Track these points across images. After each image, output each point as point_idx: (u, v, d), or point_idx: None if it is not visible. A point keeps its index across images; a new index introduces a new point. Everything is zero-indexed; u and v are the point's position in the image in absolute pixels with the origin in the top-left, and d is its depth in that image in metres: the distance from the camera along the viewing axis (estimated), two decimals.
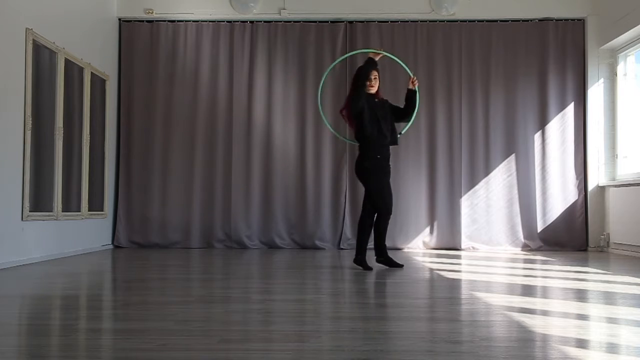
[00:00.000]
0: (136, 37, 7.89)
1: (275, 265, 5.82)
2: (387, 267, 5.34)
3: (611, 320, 3.06)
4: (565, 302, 3.60)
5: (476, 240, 7.62)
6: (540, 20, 7.78)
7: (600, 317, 3.15)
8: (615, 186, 7.25)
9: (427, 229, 7.67)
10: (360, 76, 5.23)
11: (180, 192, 7.73)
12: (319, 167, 7.75)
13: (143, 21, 7.90)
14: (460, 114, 7.73)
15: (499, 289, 4.20)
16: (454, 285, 4.40)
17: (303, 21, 7.87)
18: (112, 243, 7.66)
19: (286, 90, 7.83)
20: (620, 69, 7.50)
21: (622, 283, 4.44)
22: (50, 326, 2.99)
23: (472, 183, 7.68)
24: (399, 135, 5.47)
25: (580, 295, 3.89)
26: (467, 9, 7.75)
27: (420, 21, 7.81)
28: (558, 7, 7.73)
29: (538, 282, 4.77)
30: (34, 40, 5.69)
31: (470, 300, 3.67)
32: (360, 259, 5.24)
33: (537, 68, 7.73)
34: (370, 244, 5.32)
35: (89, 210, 6.91)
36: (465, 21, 7.81)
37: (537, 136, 7.68)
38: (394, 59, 5.69)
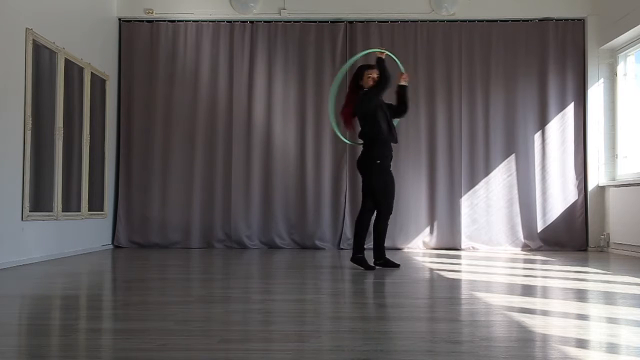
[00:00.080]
0: (136, 37, 7.89)
1: (275, 265, 5.82)
2: (384, 267, 5.33)
3: (611, 320, 3.06)
4: (565, 302, 3.60)
5: (476, 240, 7.62)
6: (540, 20, 7.78)
7: (600, 317, 3.14)
8: (615, 186, 7.25)
9: (427, 229, 7.67)
10: (358, 75, 5.28)
11: (180, 192, 7.73)
12: (319, 167, 7.75)
13: (143, 21, 7.90)
14: (460, 114, 7.73)
15: (499, 289, 4.20)
16: (454, 285, 4.40)
17: (303, 21, 7.87)
18: (112, 243, 7.66)
19: (286, 90, 7.83)
20: (620, 69, 7.50)
21: (622, 283, 4.44)
22: (50, 326, 2.99)
23: (472, 183, 7.67)
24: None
25: (580, 295, 3.89)
26: (467, 9, 7.75)
27: (420, 21, 7.81)
28: (558, 7, 7.73)
29: (538, 282, 4.77)
30: (34, 40, 5.69)
31: (470, 300, 3.67)
32: (360, 258, 5.21)
33: (537, 68, 7.73)
34: (368, 244, 5.31)
35: (89, 210, 6.91)
36: (465, 21, 7.81)
37: (537, 136, 7.68)
38: (391, 57, 5.68)
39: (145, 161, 7.78)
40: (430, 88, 7.72)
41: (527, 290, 4.21)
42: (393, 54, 5.68)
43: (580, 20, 7.74)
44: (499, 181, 7.66)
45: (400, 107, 5.43)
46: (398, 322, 2.98)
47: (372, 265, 5.23)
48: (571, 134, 7.65)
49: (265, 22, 7.87)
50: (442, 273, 5.09)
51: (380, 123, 5.20)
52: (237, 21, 7.88)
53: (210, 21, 7.89)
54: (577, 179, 7.61)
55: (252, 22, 7.89)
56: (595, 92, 7.59)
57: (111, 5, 7.72)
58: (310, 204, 7.69)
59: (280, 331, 2.80)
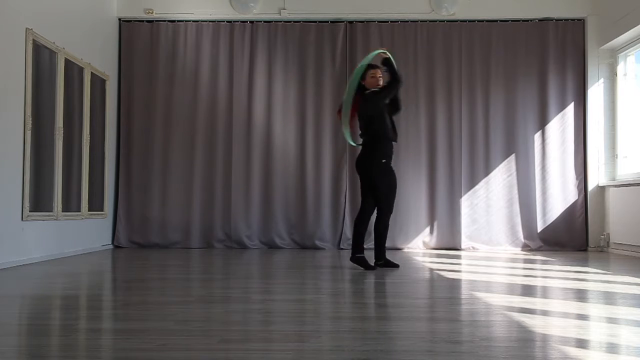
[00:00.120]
0: (136, 37, 7.89)
1: (275, 265, 5.82)
2: (383, 267, 5.33)
3: (611, 320, 3.06)
4: (565, 302, 3.60)
5: (476, 240, 7.62)
6: (540, 20, 7.78)
7: (600, 317, 3.14)
8: (615, 186, 7.25)
9: (427, 229, 7.67)
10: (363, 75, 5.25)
11: (180, 192, 7.73)
12: (319, 167, 7.75)
13: (143, 21, 7.90)
14: (460, 114, 7.73)
15: (499, 289, 4.20)
16: (454, 285, 4.40)
17: (303, 21, 7.87)
18: (112, 243, 7.66)
19: (286, 90, 7.83)
20: (620, 69, 7.50)
21: (622, 283, 4.44)
22: (50, 326, 2.99)
23: (472, 183, 7.68)
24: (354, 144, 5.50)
25: (580, 295, 3.89)
26: (467, 9, 7.75)
27: (420, 21, 7.81)
28: (558, 7, 7.73)
29: (538, 282, 4.77)
30: (34, 40, 5.69)
31: (470, 300, 3.67)
32: (360, 258, 5.20)
33: (537, 68, 7.73)
34: (368, 244, 5.31)
35: (89, 210, 6.91)
36: (465, 21, 7.81)
37: (537, 136, 7.68)
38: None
39: (145, 161, 7.78)
40: (430, 88, 7.72)
41: (527, 290, 4.21)
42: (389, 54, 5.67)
43: (580, 20, 7.74)
44: (499, 181, 7.66)
45: (395, 104, 5.37)
46: (398, 322, 2.98)
47: (373, 265, 5.22)
48: (571, 134, 7.65)
49: (265, 22, 7.87)
50: (442, 273, 5.09)
51: (387, 122, 5.21)
52: (237, 21, 7.88)
53: (210, 21, 7.89)
54: (577, 179, 7.61)
55: (252, 22, 7.89)
56: (595, 92, 7.59)
57: (111, 5, 7.73)
58: (310, 204, 7.69)
59: (280, 331, 2.80)
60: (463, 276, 5.02)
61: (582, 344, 2.53)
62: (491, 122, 7.72)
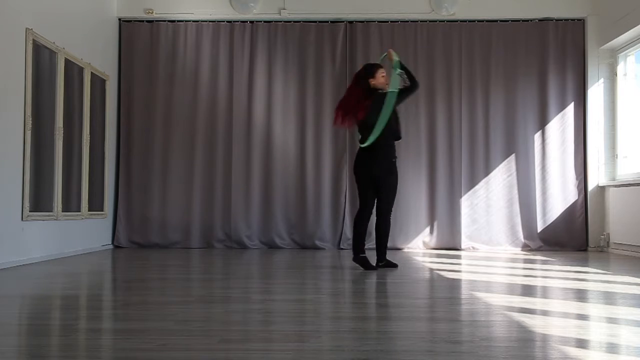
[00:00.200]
0: (136, 37, 7.89)
1: (275, 265, 5.82)
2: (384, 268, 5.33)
3: (611, 320, 3.06)
4: (565, 302, 3.60)
5: (476, 240, 7.62)
6: (540, 20, 7.78)
7: (600, 317, 3.14)
8: (615, 186, 7.25)
9: (427, 229, 7.67)
10: (370, 74, 5.20)
11: (180, 192, 7.73)
12: (319, 167, 7.75)
13: (143, 21, 7.90)
14: (460, 114, 7.73)
15: (499, 289, 4.20)
16: (454, 285, 4.40)
17: (303, 21, 7.86)
18: (112, 243, 7.66)
19: (286, 90, 7.83)
20: (620, 69, 7.50)
21: (622, 283, 4.44)
22: (50, 326, 2.99)
23: (472, 183, 7.68)
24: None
25: (580, 295, 3.89)
26: (467, 9, 7.75)
27: (420, 21, 7.81)
28: (558, 7, 7.73)
29: (538, 282, 4.77)
30: (34, 40, 5.69)
31: (470, 300, 3.67)
32: (363, 258, 5.18)
33: (537, 68, 7.73)
34: (368, 244, 5.30)
35: (89, 210, 6.91)
36: (465, 21, 7.80)
37: (537, 136, 7.68)
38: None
39: (145, 161, 7.78)
40: (430, 88, 7.71)
41: (527, 290, 4.21)
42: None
43: (580, 20, 7.74)
44: (499, 181, 7.66)
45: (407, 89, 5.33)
46: (398, 322, 2.98)
47: (374, 265, 5.22)
48: (571, 134, 7.65)
49: (265, 22, 7.87)
50: (442, 273, 5.09)
51: (400, 122, 5.27)
52: (237, 21, 7.88)
53: (210, 21, 7.89)
54: (577, 179, 7.61)
55: (252, 22, 7.89)
56: (595, 92, 7.59)
57: (111, 6, 7.72)
58: (310, 204, 7.69)
59: (280, 331, 2.80)
60: (463, 276, 5.02)
61: (582, 344, 2.53)
62: (491, 122, 7.72)
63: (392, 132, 5.17)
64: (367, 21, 7.84)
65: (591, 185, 7.55)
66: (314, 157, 7.77)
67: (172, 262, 6.02)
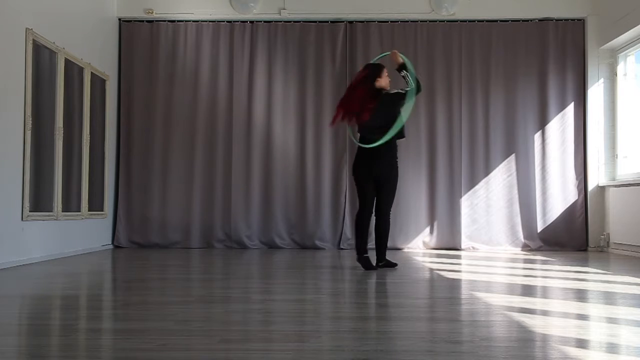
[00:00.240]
0: (136, 37, 7.89)
1: (275, 265, 5.82)
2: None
3: (611, 320, 3.06)
4: (565, 302, 3.60)
5: (476, 240, 7.62)
6: (540, 20, 7.78)
7: (600, 317, 3.14)
8: (615, 186, 7.25)
9: (427, 229, 7.67)
10: (377, 74, 5.19)
11: (180, 192, 7.73)
12: (319, 167, 7.75)
13: (143, 21, 7.90)
14: (460, 114, 7.73)
15: (499, 289, 4.20)
16: (454, 285, 4.40)
17: (303, 21, 7.87)
18: (112, 243, 7.66)
19: (286, 90, 7.83)
20: (620, 69, 7.50)
21: (622, 283, 4.44)
22: (50, 326, 2.99)
23: (472, 183, 7.68)
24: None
25: (580, 295, 3.89)
26: (467, 9, 7.75)
27: (420, 21, 7.81)
28: (558, 7, 7.73)
29: (538, 282, 4.77)
30: (34, 40, 5.69)
31: (470, 300, 3.67)
32: (366, 259, 5.14)
33: (537, 68, 7.73)
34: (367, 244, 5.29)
35: (89, 210, 6.92)
36: (465, 21, 7.81)
37: (537, 136, 7.68)
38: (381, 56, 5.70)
39: (145, 161, 7.78)
40: (430, 88, 7.71)
41: (527, 290, 4.21)
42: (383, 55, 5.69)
43: (580, 20, 7.74)
44: (499, 181, 7.66)
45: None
46: (398, 322, 2.98)
47: (374, 265, 5.22)
48: (571, 134, 7.65)
49: (265, 22, 7.87)
50: (442, 273, 5.09)
51: (405, 123, 5.26)
52: (237, 21, 7.88)
53: (210, 21, 7.89)
54: (577, 179, 7.61)
55: (252, 22, 7.89)
56: (595, 92, 7.59)
57: (111, 6, 7.72)
58: (310, 204, 7.69)
59: (280, 331, 2.80)
60: (463, 276, 5.02)
61: (582, 344, 2.53)
62: (491, 122, 7.72)
63: (400, 133, 5.17)
64: (367, 21, 7.84)
65: (591, 185, 7.56)
66: (314, 157, 7.77)
67: (172, 262, 6.02)
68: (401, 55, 5.28)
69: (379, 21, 7.83)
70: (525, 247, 7.54)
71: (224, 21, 7.89)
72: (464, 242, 7.59)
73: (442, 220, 7.65)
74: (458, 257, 6.72)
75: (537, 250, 7.46)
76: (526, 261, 6.29)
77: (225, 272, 5.32)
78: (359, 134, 5.28)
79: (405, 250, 7.50)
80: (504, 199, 7.64)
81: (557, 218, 7.59)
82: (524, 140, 7.67)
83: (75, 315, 3.25)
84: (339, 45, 7.83)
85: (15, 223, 5.43)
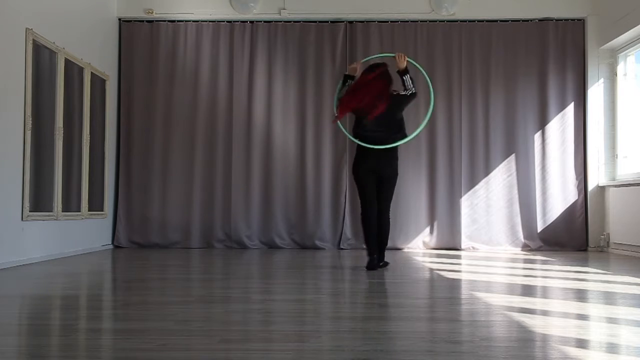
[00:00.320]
0: (136, 37, 7.89)
1: (275, 265, 5.82)
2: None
3: (611, 320, 3.06)
4: (565, 302, 3.60)
5: (476, 240, 7.61)
6: (540, 20, 7.78)
7: (600, 317, 3.15)
8: (615, 186, 7.25)
9: (427, 229, 7.67)
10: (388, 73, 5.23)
11: (180, 192, 7.73)
12: (319, 167, 7.75)
13: (143, 21, 7.90)
14: (460, 114, 7.73)
15: (499, 289, 4.20)
16: (454, 285, 4.40)
17: (303, 21, 7.86)
18: (112, 243, 7.66)
19: (286, 90, 7.83)
20: (620, 69, 7.50)
21: (622, 283, 4.44)
22: (50, 326, 2.99)
23: (472, 183, 7.67)
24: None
25: (580, 295, 3.89)
26: (467, 9, 7.75)
27: (420, 21, 7.81)
28: (558, 7, 7.73)
29: (538, 282, 4.77)
30: (34, 40, 5.69)
31: (470, 300, 3.67)
32: (373, 260, 5.14)
33: (537, 68, 7.73)
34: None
35: (89, 210, 6.91)
36: (465, 21, 7.80)
37: (537, 136, 7.67)
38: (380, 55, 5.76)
39: (145, 161, 7.78)
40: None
41: (527, 290, 4.21)
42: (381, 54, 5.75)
43: (580, 20, 7.74)
44: (499, 181, 7.66)
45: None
46: (398, 322, 2.98)
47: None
48: (571, 134, 7.65)
49: (265, 22, 7.87)
50: (442, 273, 5.09)
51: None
52: (237, 21, 7.88)
53: (210, 21, 7.89)
54: (577, 179, 7.61)
55: (252, 22, 7.89)
56: (595, 92, 7.59)
57: (111, 5, 7.72)
58: (310, 204, 7.69)
59: (280, 331, 2.80)
60: (463, 276, 5.02)
61: (582, 344, 2.53)
62: (491, 122, 7.72)
63: (404, 133, 5.24)
64: (367, 21, 7.84)
65: (591, 185, 7.56)
66: (314, 157, 7.76)
67: (172, 262, 6.02)
68: (411, 60, 5.32)
69: (379, 21, 7.83)
70: (525, 247, 7.54)
71: (224, 21, 7.89)
72: (464, 242, 7.58)
73: (442, 220, 7.65)
74: (458, 257, 6.72)
75: (537, 250, 7.46)
76: (526, 261, 6.29)
77: (225, 272, 5.32)
78: (357, 132, 5.23)
79: (405, 250, 7.50)
80: (504, 199, 7.64)
81: (557, 218, 7.59)
82: (524, 140, 7.67)
83: (75, 315, 3.25)
84: (339, 45, 7.83)
85: (15, 223, 5.43)
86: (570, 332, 2.72)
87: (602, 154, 7.53)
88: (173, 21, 7.89)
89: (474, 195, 7.66)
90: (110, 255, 6.75)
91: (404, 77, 5.19)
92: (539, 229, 7.58)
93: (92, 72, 6.98)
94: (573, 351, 2.37)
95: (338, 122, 5.32)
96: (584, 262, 6.07)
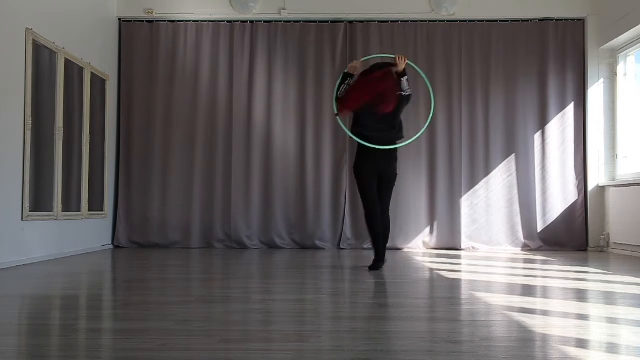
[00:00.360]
0: (136, 37, 7.89)
1: (275, 265, 5.82)
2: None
3: (611, 320, 3.06)
4: (565, 302, 3.60)
5: (476, 240, 7.61)
6: (540, 20, 7.78)
7: (600, 317, 3.15)
8: (615, 186, 7.25)
9: (427, 229, 7.67)
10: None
11: (180, 192, 7.73)
12: (319, 167, 7.75)
13: (143, 21, 7.90)
14: (460, 114, 7.73)
15: (499, 289, 4.20)
16: (454, 285, 4.40)
17: (303, 21, 7.86)
18: (112, 243, 7.66)
19: (286, 90, 7.83)
20: (620, 69, 7.50)
21: (622, 283, 4.44)
22: (50, 326, 2.99)
23: (472, 183, 7.67)
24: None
25: (580, 295, 3.89)
26: (467, 9, 7.75)
27: (420, 21, 7.81)
28: (558, 7, 7.73)
29: (538, 282, 4.77)
30: (34, 40, 5.69)
31: (470, 300, 3.67)
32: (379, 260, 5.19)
33: (537, 68, 7.73)
34: (367, 244, 5.30)
35: (89, 210, 6.91)
36: (465, 21, 7.80)
37: (537, 136, 7.68)
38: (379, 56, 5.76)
39: (145, 161, 7.78)
40: None
41: (527, 290, 4.21)
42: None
43: (580, 20, 7.74)
44: (499, 181, 7.66)
45: None
46: (398, 322, 2.98)
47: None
48: (571, 134, 7.65)
49: (265, 22, 7.87)
50: (442, 273, 5.09)
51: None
52: (237, 21, 7.88)
53: (210, 21, 7.89)
54: (577, 179, 7.61)
55: (252, 22, 7.89)
56: (595, 92, 7.59)
57: (111, 6, 7.72)
58: (310, 204, 7.69)
59: (280, 331, 2.80)
60: (463, 276, 5.02)
61: (582, 344, 2.53)
62: (491, 122, 7.72)
63: (402, 131, 5.30)
64: (367, 21, 7.84)
65: (591, 185, 7.56)
66: (314, 157, 7.76)
67: (172, 262, 6.02)
68: (411, 63, 5.34)
69: (379, 21, 7.83)
70: (525, 247, 7.54)
71: (224, 21, 7.89)
72: (464, 242, 7.58)
73: (442, 220, 7.65)
74: (458, 257, 6.72)
75: (537, 250, 7.46)
76: (526, 261, 6.29)
77: (225, 272, 5.32)
78: (357, 131, 5.21)
79: (405, 250, 7.50)
80: (504, 199, 7.64)
81: (557, 218, 7.59)
82: (524, 140, 7.67)
83: (75, 315, 3.25)
84: (339, 45, 7.83)
85: (15, 223, 5.43)
86: (570, 332, 2.72)
87: (602, 154, 7.54)
88: (173, 21, 7.89)
89: (474, 195, 7.66)
90: (110, 255, 6.75)
91: (402, 79, 5.20)
92: (539, 229, 7.58)
93: (92, 72, 6.98)
94: (573, 351, 2.37)
95: (337, 117, 5.36)
96: (584, 262, 6.07)
